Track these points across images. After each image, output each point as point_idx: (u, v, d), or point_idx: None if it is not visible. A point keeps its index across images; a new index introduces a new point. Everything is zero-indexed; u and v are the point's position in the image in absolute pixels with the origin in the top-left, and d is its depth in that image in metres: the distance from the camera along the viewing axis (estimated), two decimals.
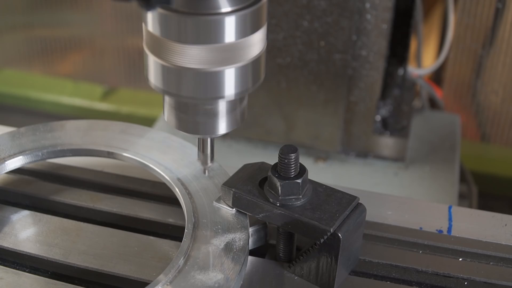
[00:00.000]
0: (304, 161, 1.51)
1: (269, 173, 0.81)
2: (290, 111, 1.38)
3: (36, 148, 0.94)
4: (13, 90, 2.21)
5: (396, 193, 1.36)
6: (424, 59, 1.76)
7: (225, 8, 0.68)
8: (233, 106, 0.77)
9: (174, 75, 0.71)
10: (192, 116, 0.77)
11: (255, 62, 0.73)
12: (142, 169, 0.94)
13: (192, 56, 0.69)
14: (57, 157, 0.96)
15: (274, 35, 1.30)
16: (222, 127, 0.78)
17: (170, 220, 0.91)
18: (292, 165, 0.80)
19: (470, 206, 1.56)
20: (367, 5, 1.27)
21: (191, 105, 0.76)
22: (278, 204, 0.80)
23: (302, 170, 0.81)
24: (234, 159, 1.44)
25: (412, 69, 1.54)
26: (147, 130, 0.98)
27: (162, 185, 0.93)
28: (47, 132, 0.97)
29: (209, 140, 0.82)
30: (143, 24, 0.72)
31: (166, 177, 0.91)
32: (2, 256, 0.86)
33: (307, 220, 0.78)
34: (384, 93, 1.45)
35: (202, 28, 0.68)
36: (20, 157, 0.93)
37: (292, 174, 0.80)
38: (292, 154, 0.80)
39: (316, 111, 1.37)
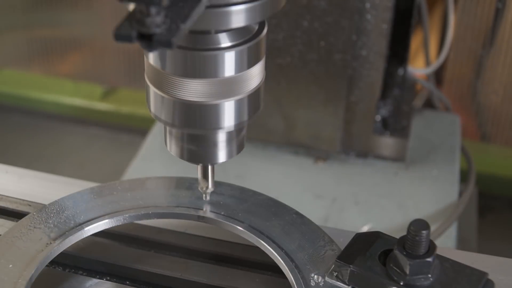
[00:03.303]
0: (304, 161, 1.52)
1: (395, 250, 0.74)
2: (290, 111, 1.38)
3: (117, 211, 0.82)
4: (13, 90, 2.21)
5: (396, 193, 1.36)
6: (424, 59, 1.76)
7: (225, 43, 0.69)
8: (232, 135, 0.78)
9: (175, 107, 0.72)
10: (193, 145, 0.77)
11: (254, 93, 0.74)
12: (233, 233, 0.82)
13: (192, 89, 0.70)
14: (141, 219, 0.84)
15: (274, 35, 1.30)
16: (222, 156, 0.78)
17: None
18: (423, 243, 0.73)
19: (470, 206, 1.56)
20: (367, 5, 1.26)
21: (192, 135, 0.76)
22: (402, 283, 0.72)
23: (432, 247, 0.74)
24: (234, 159, 1.43)
25: (412, 69, 1.54)
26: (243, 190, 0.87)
27: (256, 249, 0.80)
28: (126, 191, 0.86)
29: (209, 166, 0.82)
30: (145, 57, 0.72)
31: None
32: None
33: None
34: (384, 93, 1.45)
35: (202, 63, 0.68)
36: (105, 221, 0.82)
37: (422, 252, 0.73)
38: (424, 231, 0.72)
39: (316, 111, 1.37)
